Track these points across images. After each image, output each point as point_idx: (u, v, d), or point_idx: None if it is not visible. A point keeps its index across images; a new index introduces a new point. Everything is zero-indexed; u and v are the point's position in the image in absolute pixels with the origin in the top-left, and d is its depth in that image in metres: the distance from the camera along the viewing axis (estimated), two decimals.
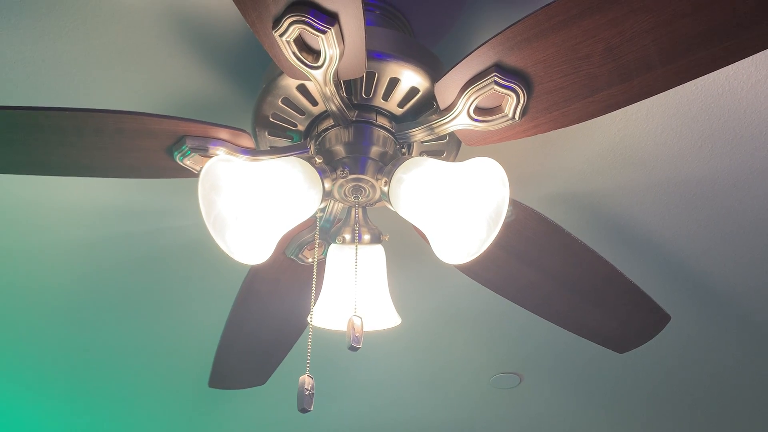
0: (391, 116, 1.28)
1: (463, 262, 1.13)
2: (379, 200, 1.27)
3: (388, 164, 1.23)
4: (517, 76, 1.10)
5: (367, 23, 1.34)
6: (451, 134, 1.30)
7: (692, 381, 2.59)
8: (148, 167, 1.26)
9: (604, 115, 1.16)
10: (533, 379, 2.61)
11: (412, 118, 1.28)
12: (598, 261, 1.49)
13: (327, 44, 1.05)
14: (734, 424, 2.89)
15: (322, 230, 1.34)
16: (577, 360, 2.48)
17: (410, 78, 1.22)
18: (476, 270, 1.49)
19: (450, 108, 1.18)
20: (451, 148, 1.35)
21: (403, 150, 1.32)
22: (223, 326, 1.65)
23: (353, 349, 1.04)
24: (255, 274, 1.53)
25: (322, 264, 1.36)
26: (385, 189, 1.20)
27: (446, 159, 1.36)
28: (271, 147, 1.33)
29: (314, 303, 1.24)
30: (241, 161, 1.12)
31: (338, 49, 1.07)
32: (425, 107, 1.27)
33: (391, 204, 1.22)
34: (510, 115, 1.15)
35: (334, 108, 1.20)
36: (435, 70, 1.24)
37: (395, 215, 1.29)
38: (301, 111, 1.27)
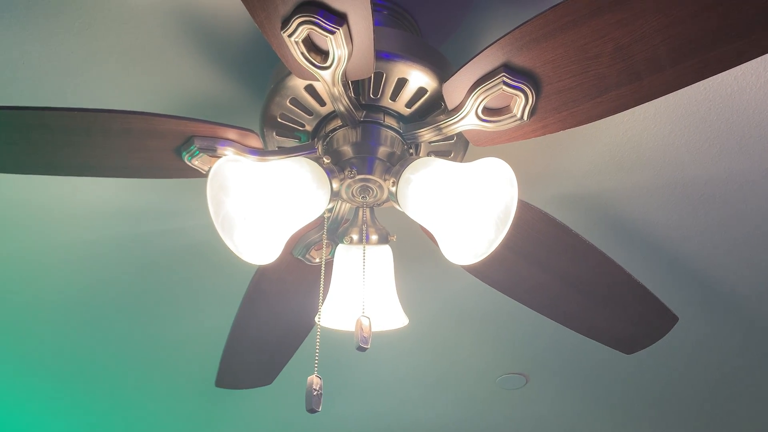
0: (398, 116, 1.28)
1: (472, 263, 1.13)
2: (387, 200, 1.27)
3: (395, 164, 1.23)
4: (525, 76, 1.10)
5: (375, 23, 1.34)
6: (459, 134, 1.30)
7: (699, 383, 2.58)
8: (156, 167, 1.26)
9: (613, 115, 1.15)
10: (540, 380, 2.61)
11: (419, 118, 1.28)
12: (606, 262, 1.48)
13: (335, 45, 1.05)
14: (741, 427, 2.87)
15: (330, 230, 1.34)
16: (584, 361, 2.48)
17: (418, 78, 1.22)
18: (483, 271, 1.49)
19: (458, 108, 1.18)
20: (458, 148, 1.34)
21: (411, 150, 1.32)
22: (230, 327, 1.65)
23: (361, 349, 1.04)
24: (262, 274, 1.53)
25: (329, 264, 1.36)
26: (393, 189, 1.20)
27: (454, 159, 1.36)
28: (278, 147, 1.33)
29: (322, 303, 1.24)
30: (250, 161, 1.12)
31: (347, 50, 1.07)
32: (433, 107, 1.27)
33: (398, 204, 1.22)
34: (518, 116, 1.15)
35: (342, 108, 1.19)
36: (443, 71, 1.24)
37: (403, 215, 1.29)
38: (309, 111, 1.27)
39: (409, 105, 1.26)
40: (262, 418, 2.83)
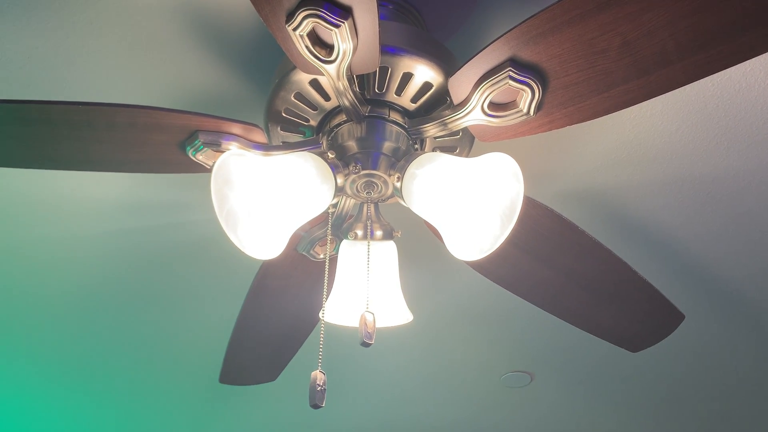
0: (404, 111, 1.27)
1: (477, 259, 1.13)
2: (392, 196, 1.26)
3: (400, 160, 1.22)
4: (532, 70, 1.09)
5: (381, 18, 1.33)
6: (465, 130, 1.29)
7: (705, 382, 2.57)
8: (160, 162, 1.26)
9: (620, 110, 1.14)
10: (544, 378, 2.60)
11: (425, 113, 1.27)
12: (612, 259, 1.47)
13: (340, 38, 1.05)
14: (746, 426, 2.86)
15: (334, 226, 1.33)
16: (589, 359, 2.47)
17: (424, 73, 1.21)
18: (489, 267, 1.48)
19: (464, 103, 1.17)
20: (464, 143, 1.34)
21: (416, 146, 1.31)
22: (234, 322, 1.65)
23: (365, 344, 1.03)
24: (267, 269, 1.53)
25: (333, 260, 1.35)
26: (398, 185, 1.20)
27: (459, 155, 1.35)
28: (283, 142, 1.32)
29: (326, 299, 1.24)
30: (254, 156, 1.12)
31: (351, 44, 1.06)
32: (439, 102, 1.26)
33: (403, 200, 1.21)
34: (524, 111, 1.14)
35: (346, 103, 1.19)
36: (449, 65, 1.23)
37: (407, 211, 1.28)
38: (313, 106, 1.26)
39: (414, 100, 1.26)
40: (266, 413, 2.83)
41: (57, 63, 1.48)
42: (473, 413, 2.83)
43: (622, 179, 1.77)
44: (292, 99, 1.25)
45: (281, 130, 1.31)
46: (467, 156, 1.36)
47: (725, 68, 1.04)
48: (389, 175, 1.22)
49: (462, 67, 1.12)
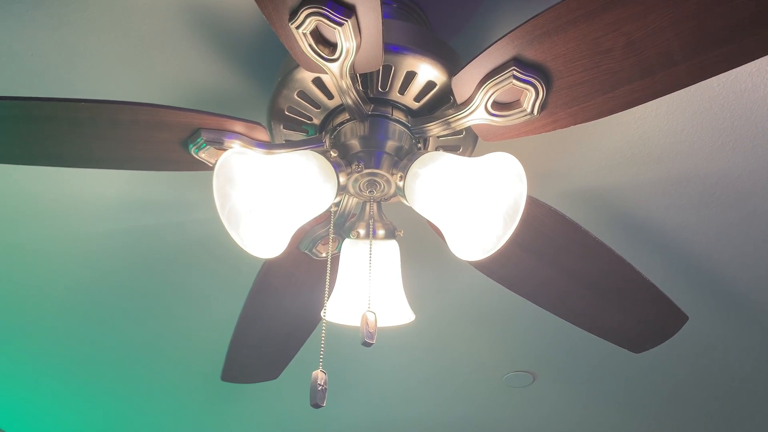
0: (407, 110, 1.27)
1: (479, 259, 1.12)
2: (394, 195, 1.26)
3: (403, 159, 1.22)
4: (536, 70, 1.09)
5: (384, 16, 1.33)
6: (468, 129, 1.28)
7: (709, 383, 2.56)
8: (163, 159, 1.26)
9: (625, 110, 1.14)
10: (547, 378, 2.59)
11: (428, 112, 1.27)
12: (615, 259, 1.47)
13: (344, 37, 1.04)
14: (749, 426, 2.85)
15: (337, 225, 1.33)
16: (592, 359, 2.46)
17: (427, 72, 1.21)
18: (491, 267, 1.47)
19: (467, 102, 1.16)
20: (467, 143, 1.33)
21: (419, 144, 1.30)
22: (236, 320, 1.65)
23: (367, 344, 1.03)
24: (269, 268, 1.52)
25: (336, 259, 1.35)
26: (401, 184, 1.19)
27: (462, 154, 1.35)
28: (286, 140, 1.32)
29: (327, 298, 1.24)
30: (257, 154, 1.12)
31: (355, 42, 1.05)
32: (442, 101, 1.26)
33: (406, 199, 1.21)
34: (528, 110, 1.14)
35: (349, 101, 1.18)
36: (452, 64, 1.23)
37: (410, 210, 1.28)
38: (316, 104, 1.26)
39: (417, 99, 1.25)
40: (268, 411, 2.84)
41: (59, 61, 1.48)
42: (475, 413, 2.83)
43: (626, 179, 1.76)
44: (295, 97, 1.24)
45: (284, 128, 1.30)
46: (471, 155, 1.35)
47: (730, 69, 1.03)
48: (392, 174, 1.21)
49: (465, 66, 1.12)
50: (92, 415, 2.83)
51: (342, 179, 1.19)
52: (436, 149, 1.34)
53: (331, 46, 1.08)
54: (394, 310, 1.26)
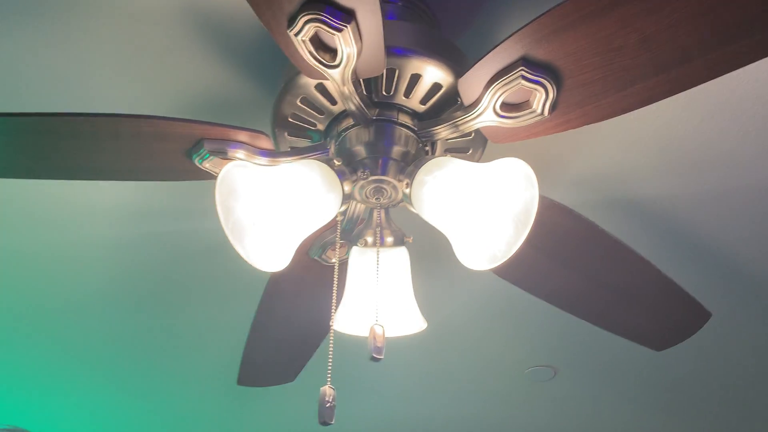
0: (413, 113, 1.23)
1: (487, 268, 1.09)
2: (402, 201, 1.23)
3: (410, 164, 1.18)
4: (545, 69, 1.05)
5: (389, 16, 1.30)
6: (477, 131, 1.25)
7: (737, 381, 2.51)
8: (167, 170, 1.24)
9: (639, 108, 1.09)
10: (568, 372, 2.56)
11: (435, 115, 1.23)
12: (634, 258, 1.43)
13: (344, 42, 1.01)
14: None
15: (345, 231, 1.30)
16: (614, 353, 2.42)
17: (433, 74, 1.17)
18: (507, 269, 1.43)
19: (475, 104, 1.13)
20: (476, 145, 1.29)
21: (427, 148, 1.27)
22: (248, 325, 1.64)
23: (375, 359, 1.00)
24: (280, 273, 1.50)
25: (345, 264, 1.32)
26: (407, 191, 1.16)
27: (472, 156, 1.31)
28: (291, 148, 1.29)
29: (335, 308, 1.21)
30: (257, 167, 1.09)
31: (356, 47, 1.02)
32: (449, 103, 1.22)
33: (413, 207, 1.18)
34: (538, 111, 1.10)
35: (353, 107, 1.15)
36: (458, 65, 1.19)
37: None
38: (320, 110, 1.23)
39: (423, 101, 1.22)
40: (281, 411, 2.85)
41: (60, 73, 1.47)
42: (497, 407, 2.80)
43: (644, 175, 1.71)
44: (299, 104, 1.22)
45: (288, 135, 1.28)
46: (481, 157, 1.31)
47: (749, 63, 0.99)
48: (399, 181, 1.18)
49: (472, 67, 1.08)
50: (108, 411, 2.87)
51: (347, 188, 1.16)
52: (445, 152, 1.30)
53: (332, 51, 1.05)
54: (404, 319, 1.24)
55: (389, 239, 1.26)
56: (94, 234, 1.92)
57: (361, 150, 1.20)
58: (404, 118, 1.22)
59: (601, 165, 1.70)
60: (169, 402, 2.82)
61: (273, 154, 1.20)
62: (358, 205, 1.29)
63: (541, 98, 1.08)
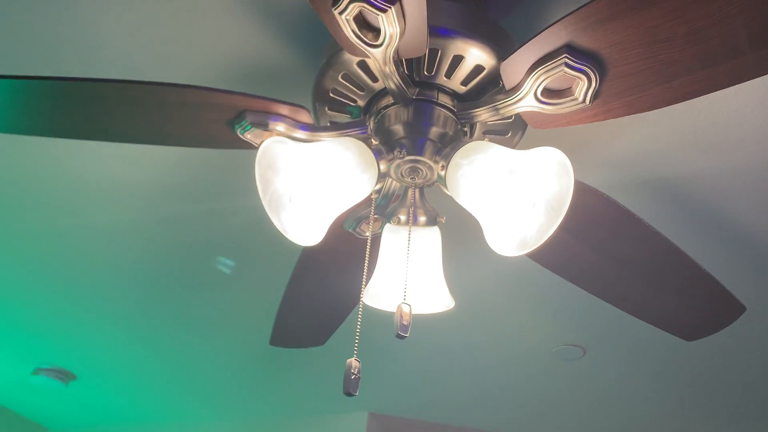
0: (453, 94, 1.23)
1: (517, 255, 1.10)
2: (437, 181, 1.24)
3: (447, 146, 1.19)
4: (589, 58, 1.03)
5: None
6: (517, 115, 1.24)
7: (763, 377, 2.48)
8: (210, 138, 1.27)
9: (682, 102, 1.07)
10: (597, 353, 2.56)
11: (476, 97, 1.23)
12: (670, 248, 1.41)
13: (387, 23, 1.01)
14: None
15: (380, 206, 1.32)
16: (644, 337, 2.40)
17: (475, 56, 1.17)
18: (539, 252, 1.43)
19: (516, 88, 1.12)
20: (516, 129, 1.29)
21: (465, 129, 1.27)
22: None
23: (400, 337, 1.03)
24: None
25: (378, 239, 1.35)
26: (442, 173, 1.17)
27: (510, 140, 1.31)
28: (330, 122, 1.31)
29: (366, 282, 1.24)
30: (297, 143, 1.12)
31: (399, 28, 1.03)
32: (490, 86, 1.22)
33: (447, 189, 1.19)
34: (580, 99, 1.09)
35: (393, 86, 1.16)
36: (502, 48, 1.18)
37: None
38: (361, 87, 1.24)
39: (464, 83, 1.21)
40: (311, 377, 2.94)
41: (109, 39, 1.50)
42: (523, 382, 2.82)
43: (688, 164, 1.67)
44: (340, 79, 1.23)
45: (329, 109, 1.29)
46: (519, 142, 1.31)
47: None
48: (435, 162, 1.19)
49: (516, 51, 1.07)
50: (144, 362, 3.01)
51: (383, 167, 1.17)
52: (483, 135, 1.30)
53: (375, 31, 1.05)
54: (433, 298, 1.26)
55: (422, 218, 1.27)
56: (131, 211, 2.04)
57: (399, 129, 1.21)
58: (444, 99, 1.22)
59: (635, 146, 1.67)
60: (204, 364, 2.95)
61: (312, 128, 1.22)
62: (394, 182, 1.31)
63: (583, 87, 1.07)
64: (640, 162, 1.70)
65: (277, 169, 1.07)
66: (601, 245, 1.42)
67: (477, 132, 1.30)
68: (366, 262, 1.23)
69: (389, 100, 1.23)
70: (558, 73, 1.06)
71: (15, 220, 2.15)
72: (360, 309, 1.20)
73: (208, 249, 2.20)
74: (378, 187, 1.21)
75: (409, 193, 1.26)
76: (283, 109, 1.19)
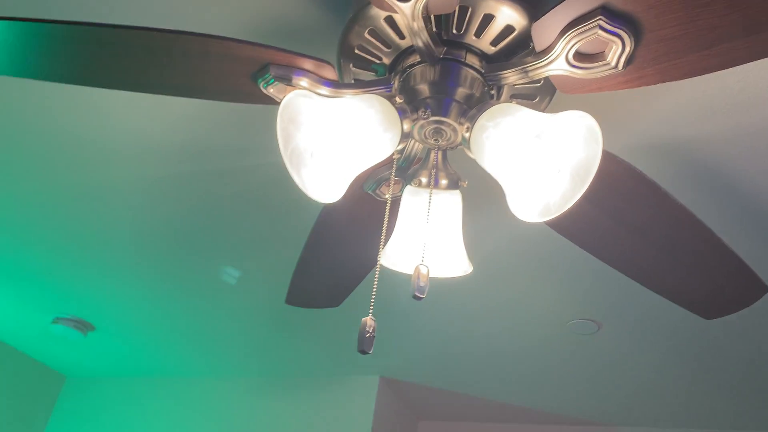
0: (482, 55, 1.20)
1: (539, 221, 1.08)
2: (461, 144, 1.22)
3: (473, 108, 1.16)
4: (624, 21, 1.00)
5: None
6: (546, 79, 1.21)
7: None
8: (233, 92, 1.25)
9: (720, 70, 1.03)
10: (611, 328, 2.54)
11: (505, 58, 1.20)
12: (694, 223, 1.38)
13: None
14: None
15: (401, 169, 1.31)
16: (660, 313, 2.38)
17: (506, 15, 1.13)
18: (559, 221, 1.42)
19: (547, 51, 1.09)
20: (544, 93, 1.26)
21: (492, 92, 1.24)
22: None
23: (417, 298, 1.02)
24: (333, 203, 1.52)
25: (397, 202, 1.33)
26: (467, 135, 1.15)
27: (538, 104, 1.28)
28: (354, 80, 1.29)
29: (384, 243, 1.23)
30: (320, 98, 1.09)
31: None
32: (520, 47, 1.18)
33: (471, 152, 1.17)
34: (613, 64, 1.05)
35: (420, 44, 1.13)
36: (534, 7, 1.14)
37: None
38: (387, 44, 1.21)
39: (494, 43, 1.18)
40: (324, 339, 2.96)
41: None
42: (536, 351, 2.82)
43: (717, 131, 1.63)
44: (366, 35, 1.20)
45: (353, 66, 1.27)
46: (547, 106, 1.28)
47: None
48: (459, 124, 1.17)
49: (548, 11, 1.04)
50: (166, 320, 3.05)
51: (406, 126, 1.15)
52: (510, 98, 1.27)
53: None
54: (451, 261, 1.24)
55: (444, 182, 1.25)
56: (147, 170, 2.05)
57: (424, 88, 1.19)
58: (472, 59, 1.19)
59: (673, 118, 1.63)
60: (219, 322, 2.98)
61: (336, 84, 1.20)
62: (416, 144, 1.29)
63: (617, 51, 1.03)
64: (653, 126, 1.65)
65: (299, 123, 1.06)
66: (625, 217, 1.39)
67: (504, 95, 1.27)
68: (385, 224, 1.22)
69: (416, 58, 1.20)
70: (591, 36, 1.02)
71: (41, 175, 2.17)
72: (377, 271, 1.19)
73: (228, 207, 2.20)
74: (400, 147, 1.19)
75: (432, 155, 1.24)
76: (308, 64, 1.17)
